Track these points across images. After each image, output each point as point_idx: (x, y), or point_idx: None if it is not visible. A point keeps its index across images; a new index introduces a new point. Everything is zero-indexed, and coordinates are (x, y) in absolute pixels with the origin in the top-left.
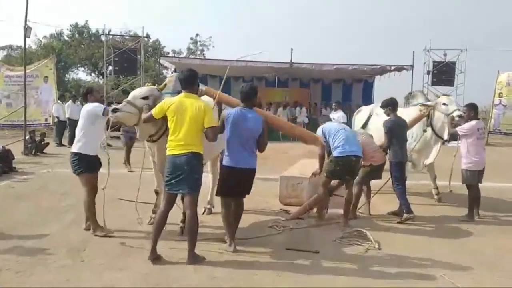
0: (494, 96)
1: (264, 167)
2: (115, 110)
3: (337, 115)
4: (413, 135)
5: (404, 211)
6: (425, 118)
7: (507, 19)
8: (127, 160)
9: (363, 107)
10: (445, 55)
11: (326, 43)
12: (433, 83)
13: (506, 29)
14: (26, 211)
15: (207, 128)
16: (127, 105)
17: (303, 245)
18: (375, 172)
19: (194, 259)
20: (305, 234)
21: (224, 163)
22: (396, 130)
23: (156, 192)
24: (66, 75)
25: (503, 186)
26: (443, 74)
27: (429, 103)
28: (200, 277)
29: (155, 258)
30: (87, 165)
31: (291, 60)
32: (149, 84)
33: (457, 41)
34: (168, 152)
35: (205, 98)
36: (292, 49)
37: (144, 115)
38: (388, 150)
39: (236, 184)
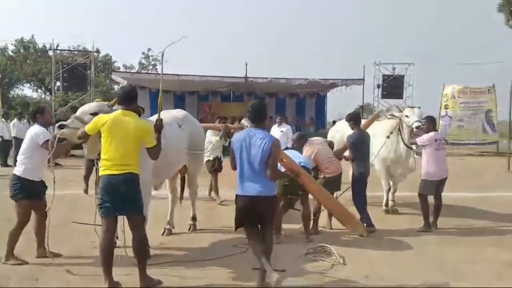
0: (440, 108)
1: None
2: (61, 126)
3: (284, 129)
4: (388, 146)
5: (365, 224)
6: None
7: (451, 35)
8: (85, 180)
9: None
10: (393, 69)
11: (280, 59)
12: (383, 96)
13: (450, 44)
14: None
15: (148, 148)
16: (74, 121)
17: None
18: (331, 183)
19: (147, 282)
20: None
21: (236, 192)
22: (359, 144)
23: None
24: (11, 91)
25: (454, 196)
26: (393, 87)
27: (397, 114)
28: None
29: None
30: (27, 192)
31: (246, 75)
32: (98, 99)
33: (405, 55)
34: (101, 172)
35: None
36: (246, 63)
37: (79, 131)
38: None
39: (251, 213)
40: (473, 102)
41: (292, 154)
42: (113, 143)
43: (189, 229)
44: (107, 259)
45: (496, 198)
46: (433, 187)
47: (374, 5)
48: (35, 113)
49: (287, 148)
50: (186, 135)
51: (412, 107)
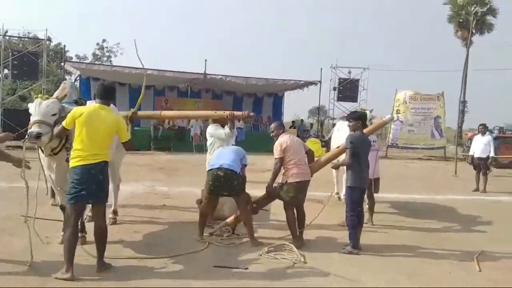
0: (392, 112)
1: (180, 179)
2: (39, 136)
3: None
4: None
5: (351, 244)
6: None
7: (404, 41)
8: None
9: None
10: (349, 72)
11: (238, 58)
12: (339, 99)
13: (403, 51)
14: None
15: (123, 142)
16: (43, 126)
17: (230, 261)
18: (294, 191)
19: (103, 267)
20: (231, 250)
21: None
22: (360, 148)
23: (63, 208)
24: None
25: (404, 197)
26: (348, 90)
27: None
28: None
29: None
30: None
31: (205, 71)
32: (44, 96)
33: (360, 60)
34: (76, 163)
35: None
36: (206, 60)
37: (56, 129)
38: (346, 172)
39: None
40: (423, 108)
41: (222, 152)
42: (89, 134)
43: (109, 223)
44: (72, 248)
45: (444, 201)
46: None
47: (334, 9)
48: None
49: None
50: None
51: (364, 109)
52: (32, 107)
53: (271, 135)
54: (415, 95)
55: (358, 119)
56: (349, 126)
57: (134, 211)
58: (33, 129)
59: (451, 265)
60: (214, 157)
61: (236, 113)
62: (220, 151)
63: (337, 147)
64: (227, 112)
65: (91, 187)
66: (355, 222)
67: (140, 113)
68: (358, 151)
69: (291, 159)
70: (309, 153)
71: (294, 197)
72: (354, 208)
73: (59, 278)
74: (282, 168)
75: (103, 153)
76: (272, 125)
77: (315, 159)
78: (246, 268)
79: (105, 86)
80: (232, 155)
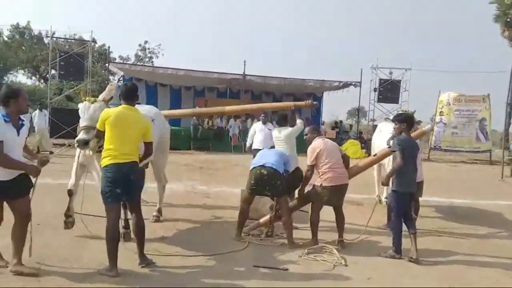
0: (435, 114)
1: (219, 179)
2: (86, 143)
3: (270, 127)
4: None
5: (393, 248)
6: None
7: (448, 43)
8: None
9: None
10: (390, 73)
11: (278, 58)
12: (379, 100)
13: (448, 52)
14: None
15: (146, 142)
16: (90, 132)
17: (269, 261)
18: (329, 195)
19: (146, 262)
20: (270, 250)
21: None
22: (408, 151)
23: (70, 193)
24: (5, 77)
25: (450, 201)
26: (389, 91)
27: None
28: None
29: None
30: None
31: (244, 72)
32: (90, 99)
33: (402, 60)
34: (108, 161)
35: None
36: (245, 61)
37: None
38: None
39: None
40: (467, 110)
41: (265, 153)
42: (119, 135)
43: (152, 220)
44: (115, 244)
45: (490, 206)
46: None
47: (375, 9)
48: (7, 97)
49: (273, 147)
50: (157, 130)
51: (405, 111)
52: (81, 110)
53: (305, 138)
54: (459, 96)
55: (403, 121)
56: (394, 128)
57: (175, 209)
58: (81, 136)
59: (496, 272)
60: (256, 157)
61: (299, 103)
62: (263, 152)
63: (374, 155)
64: (292, 103)
65: (124, 185)
66: (400, 227)
67: (205, 110)
68: (406, 154)
69: (326, 163)
70: (345, 158)
71: (328, 201)
72: (400, 213)
73: (103, 274)
74: (318, 171)
75: (133, 154)
76: (306, 129)
77: (356, 161)
78: (286, 269)
79: (128, 87)
80: (276, 156)
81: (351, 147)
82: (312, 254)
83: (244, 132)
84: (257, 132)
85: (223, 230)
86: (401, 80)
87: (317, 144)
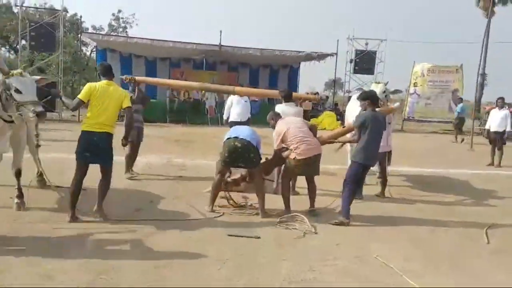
0: (409, 86)
1: (195, 152)
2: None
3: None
4: None
5: (342, 214)
6: None
7: (424, 14)
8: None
9: None
10: (366, 44)
11: (254, 29)
12: (355, 71)
13: (422, 23)
14: None
15: (125, 108)
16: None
17: (243, 231)
18: (303, 166)
19: (100, 212)
20: (243, 220)
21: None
22: (368, 125)
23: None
24: None
25: (419, 171)
26: (364, 62)
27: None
28: (143, 265)
29: (74, 219)
30: None
31: (220, 43)
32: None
33: (378, 31)
34: (85, 128)
35: None
36: (221, 31)
37: (73, 102)
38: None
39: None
40: (441, 80)
41: (239, 127)
42: (99, 108)
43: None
44: (75, 196)
45: (458, 175)
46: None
47: None
48: None
49: (248, 120)
50: None
51: (378, 83)
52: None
53: (270, 125)
54: (433, 67)
55: (366, 98)
56: (360, 106)
57: (151, 182)
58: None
59: (460, 236)
60: (230, 130)
61: (310, 96)
62: (236, 127)
63: (343, 127)
64: (303, 95)
65: (93, 151)
66: (351, 194)
67: (214, 86)
68: (367, 129)
69: (295, 137)
70: (312, 129)
71: (303, 172)
72: (354, 181)
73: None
74: (290, 148)
75: (109, 125)
76: (268, 116)
77: (332, 131)
78: (259, 237)
79: (105, 66)
80: (250, 131)
81: (327, 118)
82: (284, 223)
83: (220, 105)
84: (234, 104)
85: (199, 201)
86: (376, 51)
87: (280, 127)
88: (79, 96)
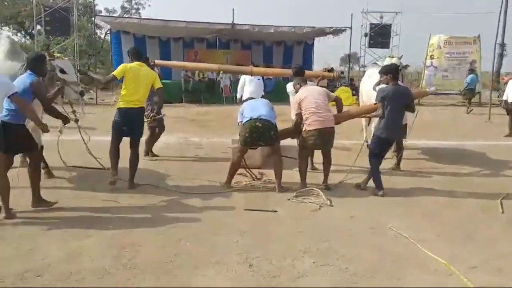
0: (425, 58)
1: (211, 130)
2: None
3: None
4: None
5: (376, 187)
6: None
7: None
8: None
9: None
10: (381, 17)
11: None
12: (370, 45)
13: None
14: None
15: (157, 89)
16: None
17: (259, 205)
18: (311, 138)
19: (133, 186)
20: (260, 194)
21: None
22: (390, 100)
23: None
24: None
25: (436, 143)
26: (379, 36)
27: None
28: (164, 239)
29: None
30: None
31: (232, 21)
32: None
33: (393, 3)
34: (121, 105)
35: None
36: (233, 9)
37: (106, 77)
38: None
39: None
40: (458, 52)
41: (257, 104)
42: (134, 86)
43: None
44: (115, 159)
45: (475, 146)
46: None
47: None
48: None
49: (262, 97)
50: None
51: (392, 57)
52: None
53: (294, 89)
54: (450, 39)
55: (387, 72)
56: (381, 81)
57: (168, 162)
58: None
59: (475, 206)
60: (247, 108)
61: (327, 73)
62: (253, 103)
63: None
64: (320, 73)
65: (128, 125)
66: (377, 166)
67: (233, 67)
68: (389, 103)
69: (308, 108)
70: (337, 101)
71: (313, 145)
72: (377, 155)
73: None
74: (304, 118)
75: (140, 101)
76: (293, 82)
77: (360, 107)
78: (275, 211)
79: (135, 49)
80: (267, 107)
81: (342, 93)
82: (300, 197)
83: (235, 84)
84: (247, 82)
85: (216, 178)
86: (391, 24)
87: (299, 94)
88: (114, 72)
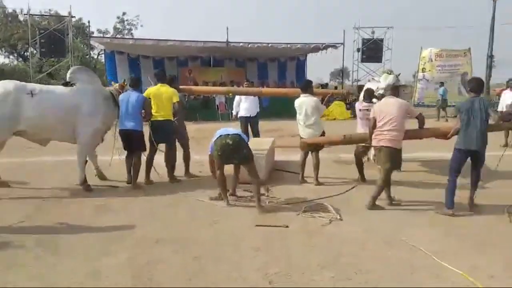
0: (417, 71)
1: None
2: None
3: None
4: None
5: (445, 206)
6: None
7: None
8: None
9: None
10: (373, 32)
11: (260, 23)
12: (363, 60)
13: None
14: None
15: (174, 102)
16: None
17: (270, 221)
18: (379, 155)
19: (173, 180)
20: (270, 210)
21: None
22: (463, 112)
23: None
24: None
25: (431, 155)
26: (372, 51)
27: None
28: (181, 258)
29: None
30: None
31: (227, 39)
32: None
33: (384, 18)
34: (153, 119)
35: None
36: (227, 28)
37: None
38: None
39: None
40: (449, 65)
41: (229, 128)
42: (158, 104)
43: None
44: (148, 168)
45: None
46: None
47: None
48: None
49: (257, 114)
50: None
51: (389, 73)
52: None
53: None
54: (441, 52)
55: (473, 88)
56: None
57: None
58: None
59: (483, 216)
60: (220, 130)
61: (337, 91)
62: (225, 128)
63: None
64: (330, 91)
65: (160, 133)
66: (451, 185)
67: (240, 89)
68: (461, 114)
69: (378, 122)
70: (419, 119)
71: (378, 159)
72: (450, 170)
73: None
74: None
75: (165, 114)
76: (386, 86)
77: (343, 122)
78: (287, 226)
79: (160, 73)
80: (239, 131)
81: (337, 108)
82: (309, 211)
83: (230, 100)
84: (243, 99)
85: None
86: (383, 39)
87: (376, 105)
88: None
